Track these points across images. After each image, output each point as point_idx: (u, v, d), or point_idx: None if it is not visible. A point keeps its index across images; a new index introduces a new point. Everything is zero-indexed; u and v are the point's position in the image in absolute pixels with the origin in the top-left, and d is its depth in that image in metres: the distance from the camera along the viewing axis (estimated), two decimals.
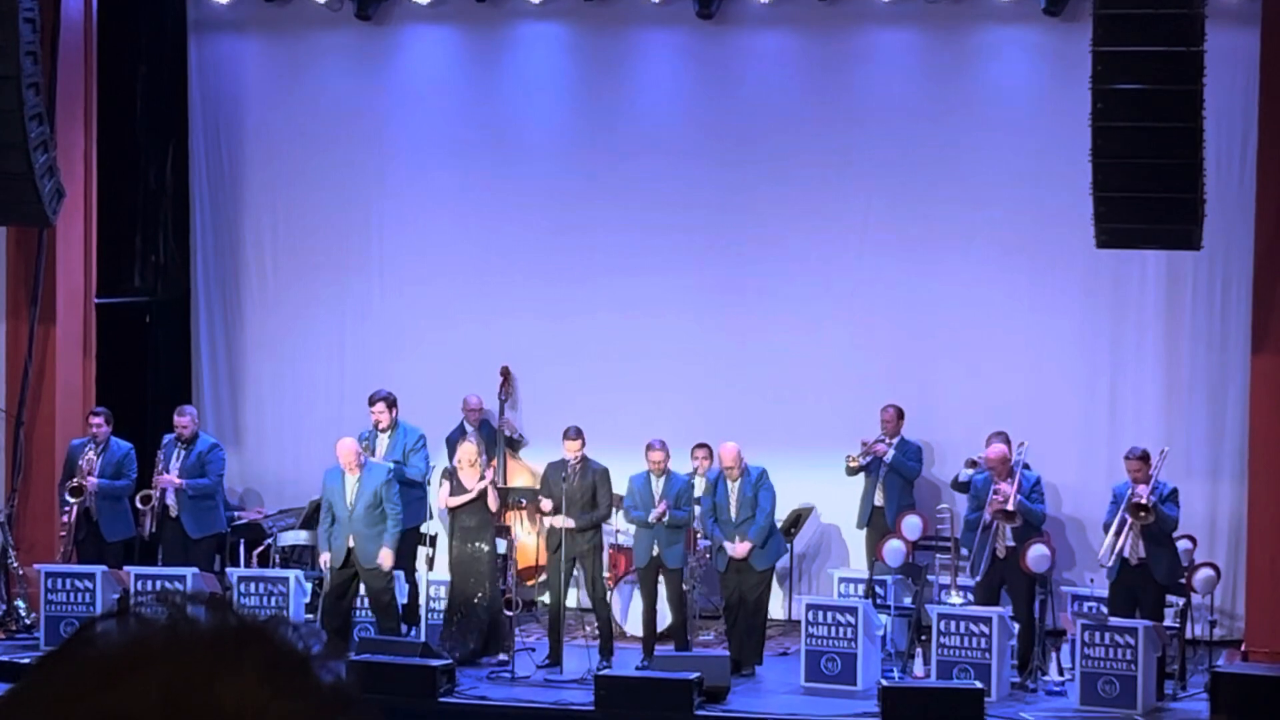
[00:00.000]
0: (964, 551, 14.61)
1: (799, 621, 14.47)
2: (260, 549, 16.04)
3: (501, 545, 15.08)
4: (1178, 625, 14.39)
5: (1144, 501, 13.85)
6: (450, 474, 15.00)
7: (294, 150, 17.60)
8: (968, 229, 16.31)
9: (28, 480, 16.18)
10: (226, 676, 1.30)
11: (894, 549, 14.97)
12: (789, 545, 15.72)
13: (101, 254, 16.73)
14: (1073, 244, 15.16)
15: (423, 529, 15.69)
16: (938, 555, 15.11)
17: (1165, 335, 16.07)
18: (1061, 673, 14.22)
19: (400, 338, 17.29)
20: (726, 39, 16.83)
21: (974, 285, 16.33)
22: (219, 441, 16.21)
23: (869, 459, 15.78)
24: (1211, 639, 14.78)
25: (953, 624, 13.93)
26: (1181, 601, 14.57)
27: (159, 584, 14.57)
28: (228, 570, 15.53)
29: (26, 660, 14.23)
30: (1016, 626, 14.10)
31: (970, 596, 14.46)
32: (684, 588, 14.73)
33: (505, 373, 16.85)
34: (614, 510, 15.04)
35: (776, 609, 15.82)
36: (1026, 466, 14.49)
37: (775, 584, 15.41)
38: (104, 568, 14.94)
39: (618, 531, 15.68)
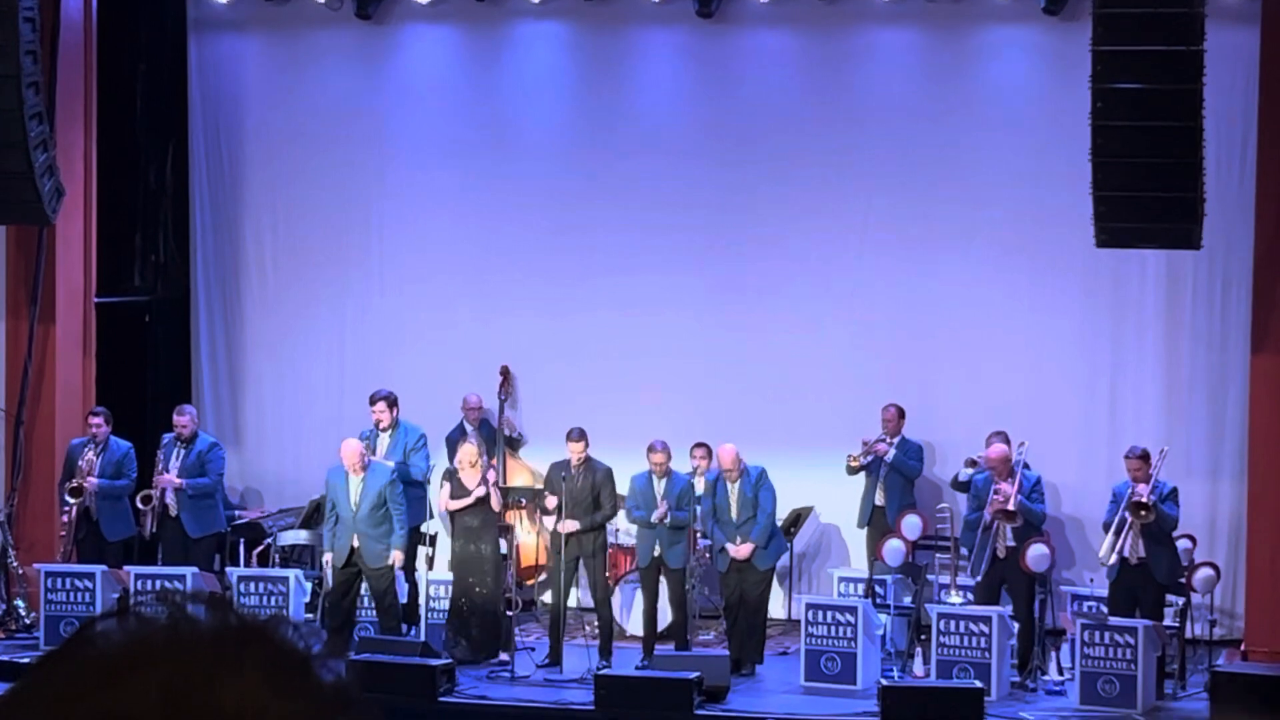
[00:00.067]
0: (964, 551, 14.61)
1: (799, 621, 14.47)
2: (260, 548, 16.04)
3: (503, 545, 15.07)
4: (1177, 625, 14.39)
5: (1144, 500, 13.85)
6: (451, 475, 15.00)
7: (294, 149, 17.60)
8: (968, 229, 16.30)
9: (27, 479, 16.18)
10: (227, 676, 1.30)
11: (894, 548, 14.97)
12: (789, 545, 15.72)
13: (101, 253, 16.72)
14: (1072, 244, 15.15)
15: (423, 528, 15.69)
16: (937, 555, 15.10)
17: (1165, 335, 16.08)
18: (1061, 672, 14.22)
19: (400, 337, 17.28)
20: (726, 38, 16.82)
21: (974, 285, 16.33)
22: (218, 441, 16.21)
23: (870, 458, 15.78)
24: (1211, 638, 14.78)
25: (952, 623, 13.93)
26: (1181, 601, 14.57)
27: (159, 583, 14.57)
28: (227, 570, 15.52)
29: (26, 660, 14.23)
30: (1016, 626, 14.09)
31: (970, 596, 14.46)
32: (685, 587, 14.72)
33: (505, 372, 16.85)
34: (617, 510, 15.03)
35: (776, 608, 15.81)
36: (1026, 466, 14.49)
37: (775, 583, 15.40)
38: (104, 567, 14.94)
39: (617, 530, 15.68)
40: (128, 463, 15.59)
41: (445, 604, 15.02)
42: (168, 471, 15.40)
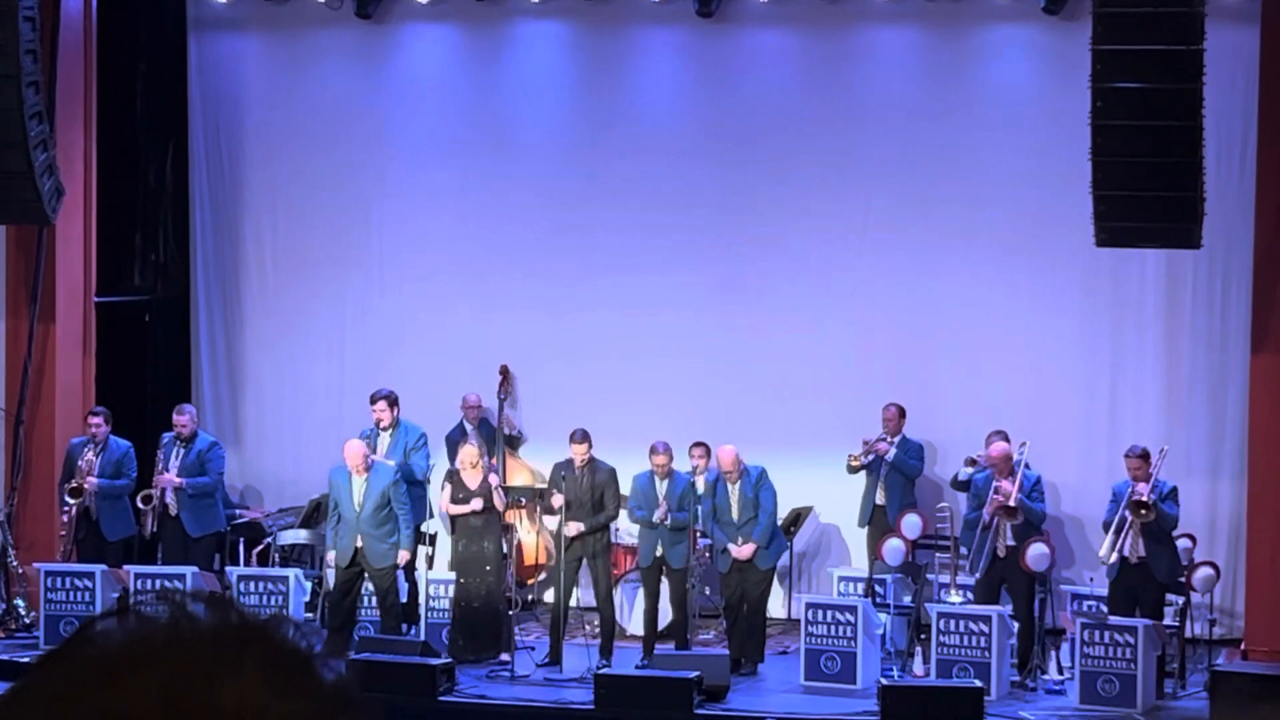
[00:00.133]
0: (964, 550, 14.61)
1: (799, 620, 14.46)
2: (260, 548, 16.04)
3: (503, 544, 15.08)
4: (1177, 624, 14.39)
5: (1144, 499, 13.85)
6: (453, 476, 15.00)
7: (294, 148, 17.60)
8: (968, 229, 16.30)
9: (27, 479, 16.18)
10: (227, 676, 1.29)
11: (893, 548, 14.97)
12: (789, 544, 15.72)
13: (101, 252, 16.72)
14: (1072, 243, 15.15)
15: (423, 528, 15.69)
16: (937, 554, 15.10)
17: (1165, 334, 16.07)
18: (1061, 671, 14.22)
19: (400, 336, 17.28)
20: (726, 38, 16.82)
21: (974, 285, 16.33)
22: (218, 440, 16.22)
23: (871, 457, 15.78)
24: (1211, 638, 14.78)
25: (952, 623, 13.93)
26: (1181, 600, 14.57)
27: (159, 583, 14.57)
28: (227, 569, 15.53)
29: (26, 659, 14.24)
30: (1016, 625, 14.09)
31: (970, 595, 14.46)
32: (686, 587, 14.73)
33: (504, 371, 16.84)
34: (620, 511, 15.03)
35: (777, 608, 15.82)
36: (1027, 466, 14.48)
37: (775, 583, 15.40)
38: (103, 566, 14.94)
39: (618, 530, 15.67)
40: (127, 462, 15.59)
41: (445, 603, 15.03)
42: (168, 471, 15.40)
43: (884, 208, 16.48)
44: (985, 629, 13.78)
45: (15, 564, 15.73)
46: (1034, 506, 14.36)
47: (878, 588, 15.00)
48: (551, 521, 15.92)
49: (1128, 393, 16.14)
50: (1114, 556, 14.02)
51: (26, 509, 16.15)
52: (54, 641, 14.39)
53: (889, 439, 15.81)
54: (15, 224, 15.76)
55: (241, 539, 16.11)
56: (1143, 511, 13.86)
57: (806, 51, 16.78)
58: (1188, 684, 14.12)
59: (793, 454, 15.75)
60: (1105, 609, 14.01)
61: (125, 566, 15.02)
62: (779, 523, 15.09)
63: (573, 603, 15.19)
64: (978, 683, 13.45)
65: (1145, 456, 14.06)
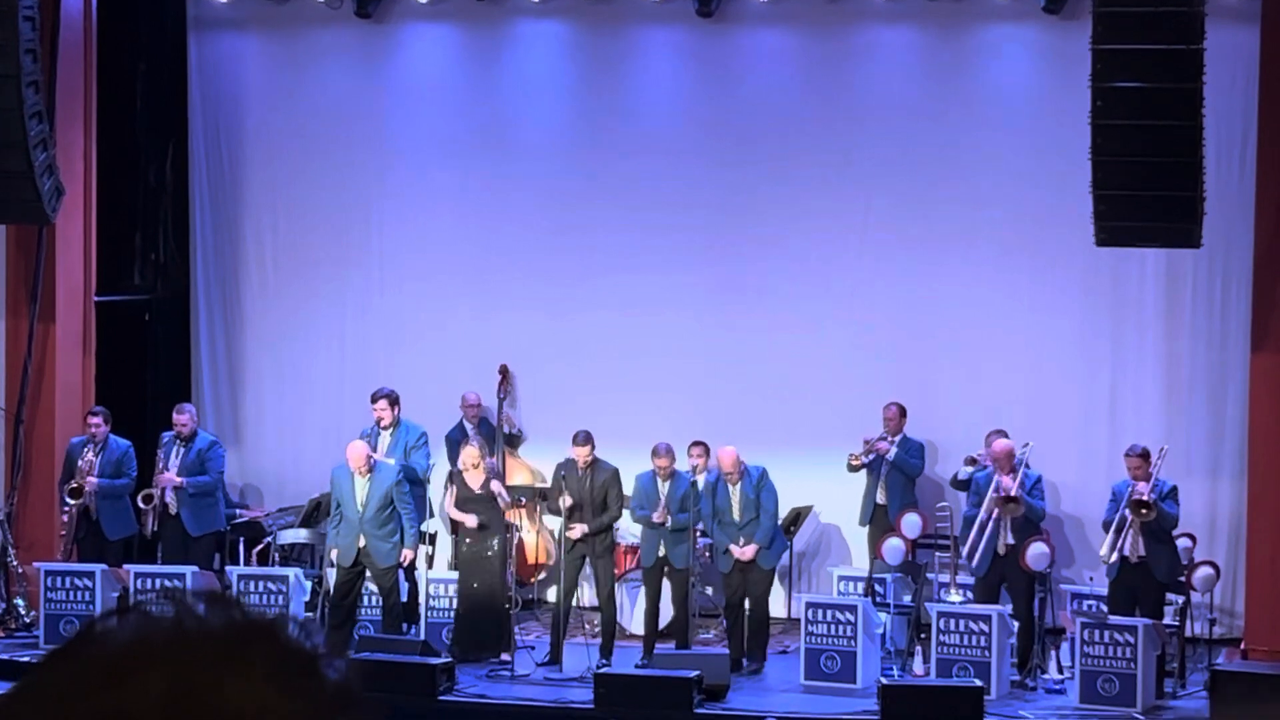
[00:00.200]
0: (963, 549, 14.62)
1: (799, 620, 14.47)
2: (260, 547, 16.04)
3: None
4: (1177, 623, 14.39)
5: (1145, 498, 13.85)
6: (456, 477, 15.00)
7: (294, 148, 17.60)
8: (968, 228, 16.30)
9: (27, 478, 16.18)
10: (232, 676, 1.29)
11: (893, 547, 14.97)
12: (789, 543, 15.72)
13: (101, 252, 16.72)
14: (1072, 243, 15.15)
15: (423, 527, 15.69)
16: (937, 553, 15.10)
17: (1165, 333, 16.07)
18: (1061, 671, 14.22)
19: (400, 336, 17.28)
20: (726, 37, 16.82)
21: (974, 284, 16.32)
22: (218, 439, 16.22)
23: (871, 456, 15.78)
24: (1211, 637, 14.78)
25: (952, 622, 13.93)
26: (1181, 600, 14.57)
27: (158, 582, 14.58)
28: (227, 568, 15.53)
29: (26, 659, 14.25)
30: (1016, 625, 14.09)
31: (970, 595, 14.46)
32: (688, 586, 14.74)
33: (504, 371, 16.84)
34: (623, 511, 15.04)
35: (777, 607, 15.80)
36: (1027, 465, 14.48)
37: (775, 582, 15.40)
38: (103, 566, 14.94)
39: (618, 529, 15.67)
40: (127, 462, 15.59)
41: (445, 603, 15.04)
42: (168, 470, 15.40)
43: (884, 208, 16.48)
44: (985, 628, 13.78)
45: (15, 563, 15.73)
46: (1034, 503, 14.36)
47: (878, 587, 15.00)
48: (552, 521, 15.93)
49: (1128, 392, 16.14)
50: (1114, 556, 14.02)
51: (26, 508, 16.15)
52: (54, 641, 14.47)
53: (890, 438, 15.82)
54: (15, 223, 15.76)
55: (241, 538, 16.11)
56: (1143, 511, 13.86)
57: (806, 51, 16.78)
58: (1188, 683, 14.12)
59: (792, 454, 15.76)
60: (1105, 608, 14.01)
61: (125, 566, 15.02)
62: (779, 522, 15.09)
63: (574, 602, 15.19)
64: (978, 682, 13.45)
65: (1145, 456, 14.06)
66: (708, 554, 15.34)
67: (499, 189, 17.15)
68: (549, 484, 15.97)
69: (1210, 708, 13.33)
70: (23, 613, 15.55)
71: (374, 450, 15.11)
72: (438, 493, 16.26)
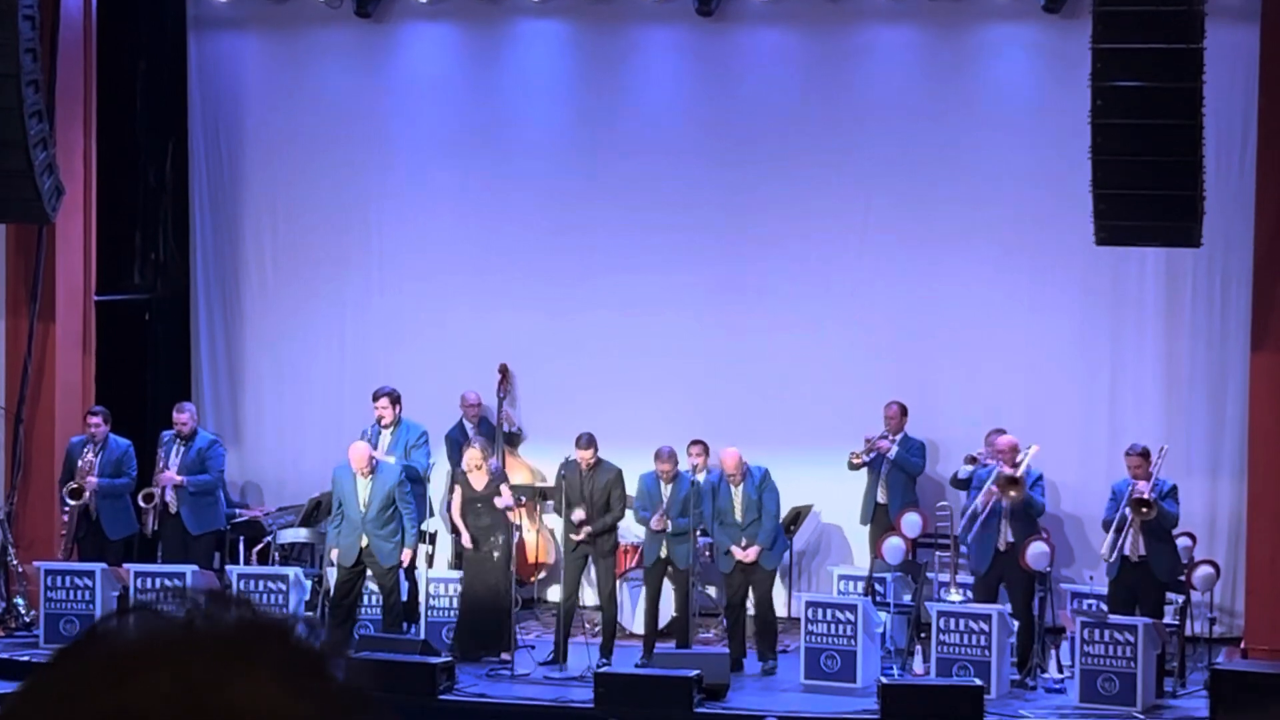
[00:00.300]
0: (964, 549, 14.62)
1: (799, 619, 14.47)
2: (260, 546, 16.04)
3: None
4: (1177, 622, 14.39)
5: (1146, 496, 13.84)
6: (461, 477, 14.99)
7: (294, 147, 17.59)
8: (968, 228, 16.29)
9: (27, 477, 16.18)
10: (239, 676, 1.29)
11: (893, 546, 14.97)
12: (789, 543, 15.72)
13: (101, 251, 16.72)
14: (1072, 242, 15.15)
15: (423, 526, 15.69)
16: (938, 553, 15.10)
17: (1165, 332, 16.07)
18: (1061, 670, 14.21)
19: (400, 335, 17.28)
20: (726, 37, 16.82)
21: (974, 284, 16.32)
22: (218, 437, 16.22)
23: (872, 455, 15.78)
24: (1211, 636, 14.78)
25: (952, 621, 13.93)
26: (1181, 599, 14.57)
27: (159, 581, 14.58)
28: (227, 567, 15.53)
29: (26, 658, 14.26)
30: (1016, 624, 14.09)
31: (970, 594, 14.46)
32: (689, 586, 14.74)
33: (504, 370, 16.84)
34: (625, 511, 15.04)
35: (777, 606, 15.79)
36: (1028, 467, 14.48)
37: (777, 581, 15.40)
38: (103, 565, 14.94)
39: (619, 530, 15.67)
40: (127, 461, 15.59)
41: (445, 602, 15.05)
42: (168, 469, 15.40)
43: (884, 207, 16.47)
44: (985, 628, 13.78)
45: (15, 562, 15.73)
46: (1035, 495, 14.35)
47: (878, 586, 15.00)
48: (552, 520, 15.94)
49: (1127, 391, 16.14)
50: (1114, 555, 14.02)
51: (26, 507, 16.15)
52: (54, 640, 14.50)
53: (891, 437, 15.82)
54: (15, 223, 15.76)
55: (241, 537, 16.11)
56: (1144, 510, 13.86)
57: (806, 50, 16.77)
58: (1187, 682, 14.11)
59: (792, 453, 15.75)
60: (1105, 607, 14.01)
61: (125, 565, 15.02)
62: (780, 522, 15.09)
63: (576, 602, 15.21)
64: (978, 681, 13.45)
65: (1145, 455, 14.06)
66: (708, 553, 15.34)
67: (499, 189, 17.15)
68: (549, 483, 16.00)
69: (1210, 707, 13.33)
70: (23, 612, 15.55)
71: (375, 448, 15.11)
72: (438, 492, 16.27)
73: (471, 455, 14.91)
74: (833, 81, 16.66)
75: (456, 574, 15.22)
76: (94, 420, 15.58)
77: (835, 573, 15.81)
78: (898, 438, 15.82)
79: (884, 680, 13.51)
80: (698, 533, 14.84)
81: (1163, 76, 13.01)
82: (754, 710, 13.45)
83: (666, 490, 14.69)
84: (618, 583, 15.29)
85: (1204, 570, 14.53)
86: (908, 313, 16.44)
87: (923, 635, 14.36)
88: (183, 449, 15.49)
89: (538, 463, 16.75)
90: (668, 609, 15.00)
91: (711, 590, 15.51)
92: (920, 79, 16.54)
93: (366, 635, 14.54)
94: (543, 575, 16.63)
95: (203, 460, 15.50)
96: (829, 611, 14.15)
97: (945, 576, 14.82)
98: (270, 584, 14.78)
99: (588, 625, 15.04)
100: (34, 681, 1.34)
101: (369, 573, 14.76)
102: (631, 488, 14.94)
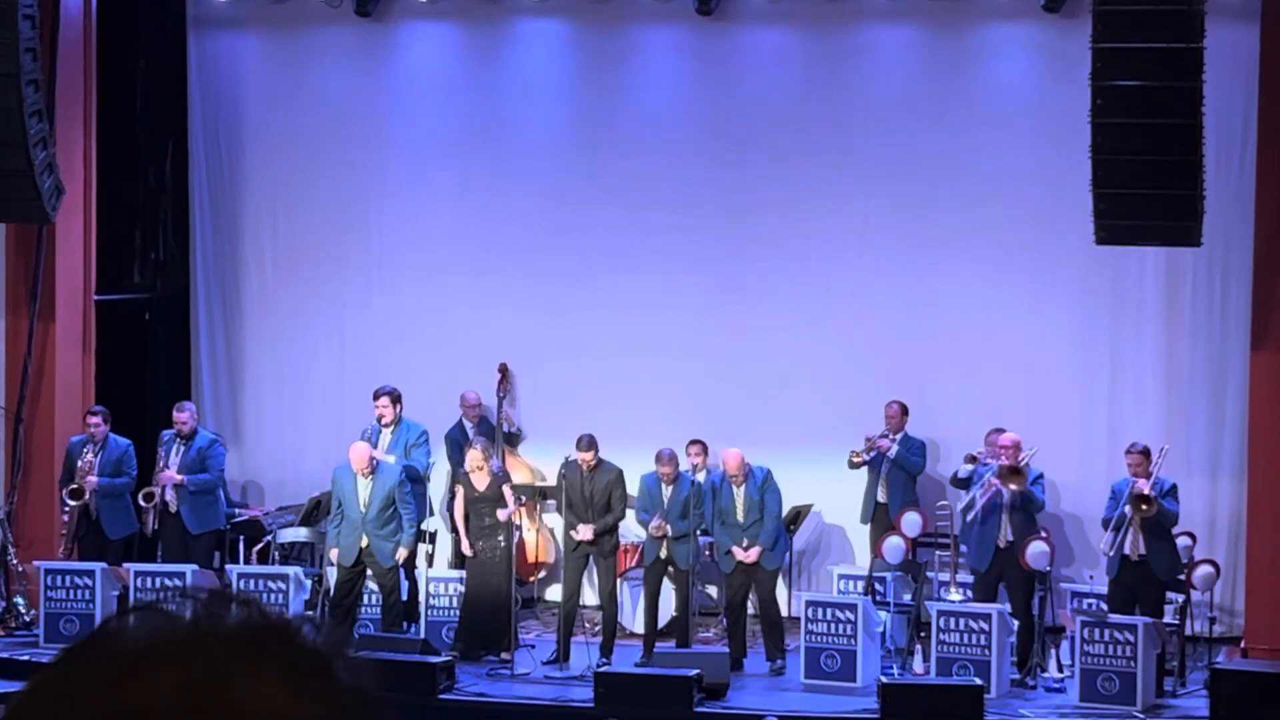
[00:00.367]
0: (963, 548, 14.63)
1: (799, 618, 14.46)
2: (260, 546, 16.04)
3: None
4: (1177, 622, 14.39)
5: (1146, 493, 13.85)
6: (463, 478, 14.99)
7: (294, 147, 17.59)
8: (968, 228, 16.29)
9: (27, 477, 16.18)
10: (244, 675, 1.29)
11: (893, 546, 14.98)
12: (790, 542, 15.72)
13: (101, 251, 16.72)
14: (1072, 242, 15.15)
15: (423, 525, 15.70)
16: (938, 552, 15.10)
17: (1165, 332, 16.07)
18: (1061, 669, 14.21)
19: (400, 334, 17.28)
20: (726, 36, 16.82)
21: (974, 283, 16.32)
22: (219, 436, 16.22)
23: (873, 454, 15.78)
24: (1211, 636, 14.78)
25: (952, 620, 13.93)
26: (1181, 598, 14.58)
27: (159, 581, 14.59)
28: (227, 567, 15.53)
29: (26, 657, 14.25)
30: (1016, 623, 14.09)
31: (970, 593, 14.46)
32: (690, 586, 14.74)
33: (503, 369, 16.84)
34: (626, 512, 15.04)
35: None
36: (1028, 465, 14.48)
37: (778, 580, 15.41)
38: (103, 565, 14.94)
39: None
40: (127, 460, 15.59)
41: (446, 601, 15.05)
42: (168, 468, 15.40)
43: (884, 207, 16.47)
44: (985, 627, 13.78)
45: (15, 562, 15.73)
46: (1035, 491, 14.36)
47: (878, 585, 15.00)
48: (552, 519, 15.94)
49: (1127, 391, 16.14)
50: (1113, 551, 14.03)
51: (26, 507, 16.16)
52: (54, 640, 14.50)
53: (891, 436, 15.82)
54: (15, 222, 15.76)
55: (241, 537, 16.11)
56: (1144, 507, 13.86)
57: (806, 50, 16.77)
58: (1187, 682, 14.12)
59: (792, 453, 15.75)
60: (1105, 607, 14.01)
61: (125, 564, 15.02)
62: (782, 523, 15.09)
63: (581, 601, 15.21)
64: (978, 681, 13.45)
65: (1146, 453, 14.07)
66: (708, 552, 15.34)
67: (499, 188, 17.15)
68: (549, 483, 16.01)
69: (1210, 706, 13.33)
70: (23, 611, 15.55)
71: (375, 447, 15.12)
72: (438, 491, 16.28)
73: (473, 456, 14.92)
74: (833, 81, 16.66)
75: (457, 573, 15.23)
76: (93, 420, 15.58)
77: (835, 572, 15.81)
78: (898, 437, 15.82)
79: (884, 680, 13.51)
80: (698, 532, 14.84)
81: (1163, 76, 13.02)
82: (754, 710, 13.44)
83: (667, 491, 14.69)
84: (618, 582, 15.30)
85: (1204, 569, 14.53)
86: (908, 313, 16.44)
87: (923, 635, 14.36)
88: (183, 448, 15.49)
89: (538, 463, 16.75)
90: (667, 608, 15.00)
91: (711, 590, 15.52)
92: (920, 79, 16.54)
93: (366, 635, 14.53)
94: (543, 575, 16.63)
95: (203, 459, 15.50)
96: (829, 611, 14.15)
97: (945, 576, 14.82)
98: (270, 583, 14.78)
99: (588, 625, 15.04)
100: (38, 681, 1.34)
101: (369, 572, 14.76)
102: (632, 488, 14.94)
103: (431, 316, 17.22)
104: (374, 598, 14.94)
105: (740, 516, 14.62)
